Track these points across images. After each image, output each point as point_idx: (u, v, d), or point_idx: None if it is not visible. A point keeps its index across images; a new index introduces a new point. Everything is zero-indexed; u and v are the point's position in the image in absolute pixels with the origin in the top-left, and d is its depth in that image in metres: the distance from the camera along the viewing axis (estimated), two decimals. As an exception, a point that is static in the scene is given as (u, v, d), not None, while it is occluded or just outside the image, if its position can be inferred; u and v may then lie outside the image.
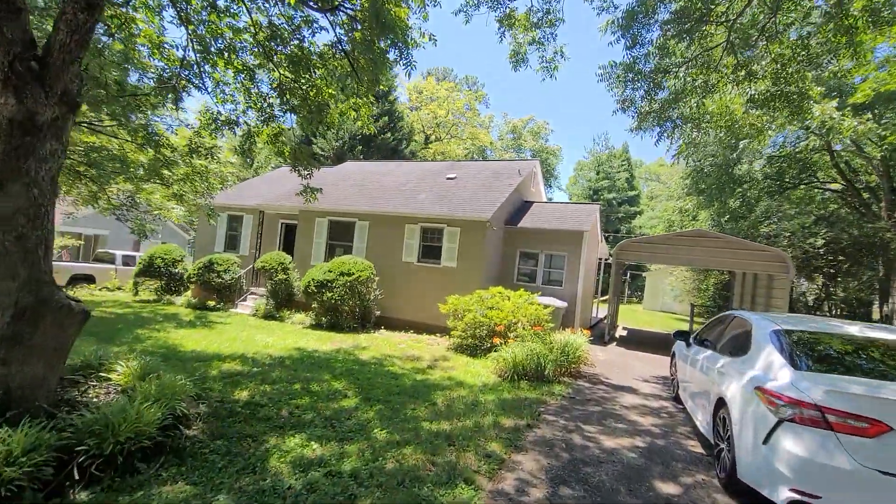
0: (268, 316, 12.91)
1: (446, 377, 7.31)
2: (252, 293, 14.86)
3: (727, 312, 5.96)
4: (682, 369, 6.49)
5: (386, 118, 25.39)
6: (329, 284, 11.31)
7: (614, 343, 12.87)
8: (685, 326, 20.76)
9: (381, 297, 12.37)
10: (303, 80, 7.84)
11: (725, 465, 3.90)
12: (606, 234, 19.20)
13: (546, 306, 10.26)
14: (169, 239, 24.86)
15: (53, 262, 13.37)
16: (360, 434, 4.60)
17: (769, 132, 9.76)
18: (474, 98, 38.11)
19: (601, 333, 14.11)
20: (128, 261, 18.39)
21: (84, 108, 8.64)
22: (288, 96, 7.92)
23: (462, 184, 14.48)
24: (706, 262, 12.31)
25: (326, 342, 9.81)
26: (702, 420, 4.99)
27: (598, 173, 49.95)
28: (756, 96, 7.75)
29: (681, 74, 8.37)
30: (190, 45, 6.60)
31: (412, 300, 12.54)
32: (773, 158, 17.27)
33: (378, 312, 12.48)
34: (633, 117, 9.21)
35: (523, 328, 8.87)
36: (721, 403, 4.23)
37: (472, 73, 67.63)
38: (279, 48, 7.11)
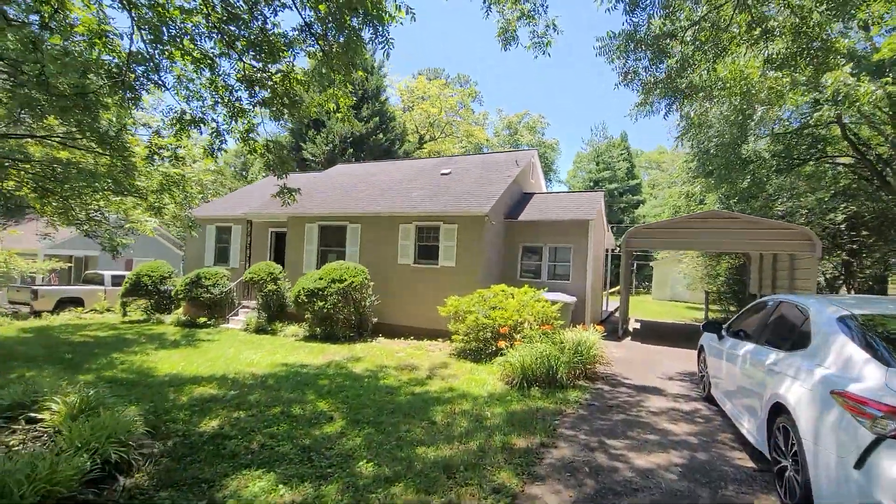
0: (259, 330, 12.18)
1: (447, 388, 6.53)
2: (244, 307, 14.13)
3: (767, 298, 5.16)
4: (715, 365, 5.68)
5: (377, 119, 24.68)
6: (320, 293, 10.57)
7: (629, 337, 12.05)
8: (699, 315, 19.89)
9: (377, 303, 11.61)
10: (272, 71, 7.13)
11: (793, 489, 3.11)
12: (610, 225, 18.36)
13: (554, 302, 9.47)
14: (161, 255, 24.20)
15: (40, 287, 12.51)
16: (341, 469, 3.83)
17: (791, 96, 8.92)
18: (467, 95, 37.36)
19: (614, 328, 13.30)
20: (118, 281, 17.70)
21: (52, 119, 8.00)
22: (257, 88, 7.21)
23: (457, 178, 13.72)
24: (721, 244, 11.50)
25: (318, 355, 9.06)
26: (749, 428, 4.19)
27: (597, 164, 49.12)
28: (774, 55, 6.95)
29: (688, 39, 7.59)
30: (137, 32, 5.88)
31: (411, 304, 11.78)
32: (779, 136, 16.43)
33: (375, 320, 11.72)
34: (637, 91, 8.42)
35: (530, 328, 8.08)
36: (779, 409, 3.44)
37: (464, 72, 66.99)
38: (239, 32, 6.38)
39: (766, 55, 7.09)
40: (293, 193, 7.76)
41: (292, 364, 8.09)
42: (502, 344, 6.82)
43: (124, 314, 15.15)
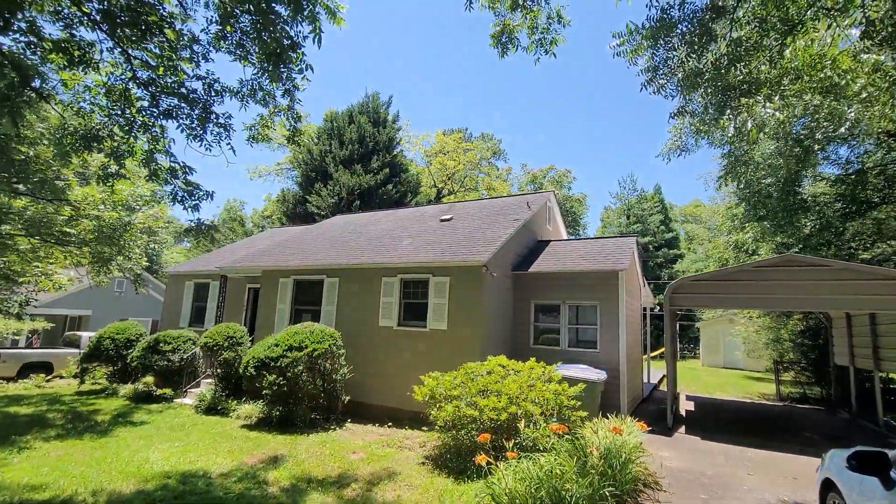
0: (210, 409, 9.91)
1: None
2: (209, 376, 11.98)
3: None
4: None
5: (387, 171, 23.53)
6: (273, 364, 8.32)
7: (682, 427, 8.99)
8: (765, 388, 16.12)
9: (349, 376, 9.22)
10: (185, 73, 5.47)
11: None
12: (648, 282, 15.56)
13: (574, 381, 6.85)
14: (152, 313, 22.82)
15: (2, 351, 10.27)
16: None
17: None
18: (488, 149, 36.42)
19: (660, 410, 10.24)
20: (94, 343, 16.11)
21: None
22: (162, 95, 5.52)
23: (457, 225, 11.65)
24: (801, 301, 8.66)
25: (250, 453, 6.64)
26: None
27: (628, 217, 46.48)
28: (878, 22, 4.74)
29: (740, 16, 5.51)
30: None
31: (394, 378, 9.31)
32: (840, 179, 13.87)
33: (347, 398, 9.26)
34: (671, 94, 6.28)
35: (534, 425, 5.48)
36: None
37: (488, 131, 67.59)
38: (119, 15, 4.77)
39: (860, 25, 4.89)
40: (209, 231, 5.82)
41: (194, 472, 5.70)
42: (482, 459, 4.27)
43: (81, 382, 13.29)
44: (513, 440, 4.98)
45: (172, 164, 5.62)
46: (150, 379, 12.17)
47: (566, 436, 5.23)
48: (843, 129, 9.96)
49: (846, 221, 13.78)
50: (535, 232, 12.18)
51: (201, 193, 5.70)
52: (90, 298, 21.25)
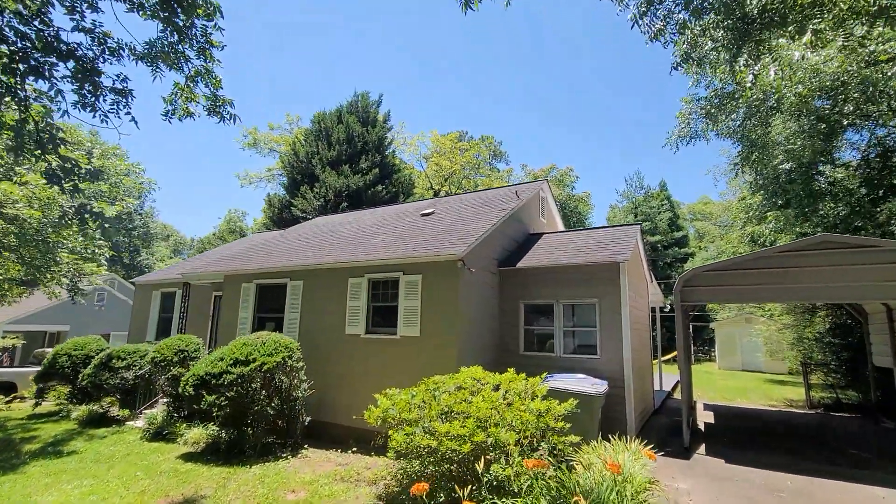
0: (158, 433, 8.72)
1: None
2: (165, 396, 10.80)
3: None
4: None
5: (377, 171, 22.41)
6: (213, 382, 7.09)
7: (702, 446, 7.58)
8: (789, 392, 14.51)
9: (309, 393, 7.96)
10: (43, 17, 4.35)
11: None
12: (657, 281, 14.09)
13: (568, 395, 5.55)
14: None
15: None
16: None
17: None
18: (485, 148, 35.23)
19: (674, 425, 8.84)
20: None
21: None
22: (33, 48, 4.42)
23: (438, 219, 10.41)
24: (832, 291, 7.26)
25: (165, 495, 5.41)
26: None
27: (635, 216, 44.89)
28: None
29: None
30: None
31: (360, 394, 8.01)
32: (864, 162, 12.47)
33: (308, 419, 8.00)
34: (672, 37, 5.01)
35: (511, 454, 4.18)
36: None
37: (488, 133, 66.55)
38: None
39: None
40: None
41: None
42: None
43: (37, 404, 12.23)
44: (470, 486, 3.68)
45: (43, 134, 4.46)
46: (111, 399, 11.06)
47: (550, 471, 3.93)
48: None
49: (877, 205, 12.34)
50: (527, 225, 10.90)
51: (81, 172, 4.53)
52: (69, 313, 20.28)
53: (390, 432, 4.89)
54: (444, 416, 4.73)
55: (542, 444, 4.68)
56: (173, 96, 5.61)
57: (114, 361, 10.50)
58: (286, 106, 76.33)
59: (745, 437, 8.36)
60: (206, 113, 5.60)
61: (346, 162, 22.16)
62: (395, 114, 66.85)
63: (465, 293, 7.61)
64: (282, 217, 21.56)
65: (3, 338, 17.50)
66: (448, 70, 71.62)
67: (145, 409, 10.40)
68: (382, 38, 69.10)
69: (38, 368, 14.65)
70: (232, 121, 5.76)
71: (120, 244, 32.84)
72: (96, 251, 9.70)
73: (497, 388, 5.48)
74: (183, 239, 61.10)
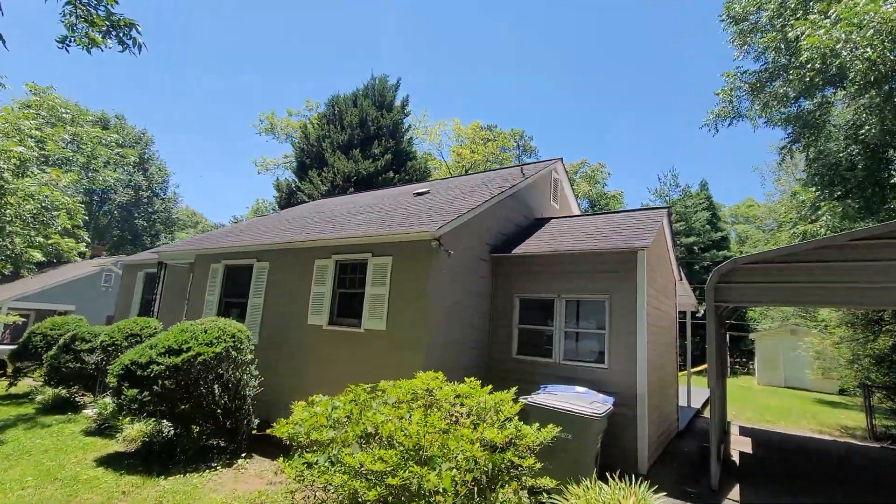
0: (101, 427, 7.83)
1: None
2: (133, 383, 9.95)
3: None
4: None
5: (389, 157, 21.25)
6: (139, 373, 6.03)
7: (735, 488, 5.94)
8: (843, 417, 12.20)
9: (258, 391, 6.80)
10: None
11: None
12: (689, 282, 12.09)
13: (556, 415, 4.14)
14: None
15: None
16: None
17: None
18: (509, 137, 33.53)
19: (701, 453, 7.19)
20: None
21: None
22: None
23: (431, 199, 9.08)
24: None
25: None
26: None
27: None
28: None
29: None
30: None
31: (320, 392, 6.80)
32: None
33: (257, 421, 6.83)
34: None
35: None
36: None
37: (518, 127, 64.59)
38: None
39: None
40: None
41: None
42: None
43: (11, 385, 11.73)
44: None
45: None
46: (79, 385, 10.40)
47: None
48: None
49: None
50: (534, 209, 9.41)
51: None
52: (75, 293, 20.17)
53: (295, 457, 3.61)
54: (363, 440, 3.40)
55: (503, 489, 3.29)
56: (69, 16, 4.52)
57: (76, 343, 9.73)
58: (316, 94, 76.22)
59: (793, 478, 6.63)
60: (102, 36, 4.47)
61: (357, 146, 21.11)
62: (418, 101, 65.59)
63: (440, 280, 6.25)
64: (290, 202, 20.74)
65: (7, 314, 17.38)
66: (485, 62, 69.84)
67: (104, 397, 9.59)
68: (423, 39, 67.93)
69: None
70: (137, 50, 4.61)
71: (138, 227, 33.13)
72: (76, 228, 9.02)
73: (458, 403, 4.11)
74: (209, 226, 62.23)
